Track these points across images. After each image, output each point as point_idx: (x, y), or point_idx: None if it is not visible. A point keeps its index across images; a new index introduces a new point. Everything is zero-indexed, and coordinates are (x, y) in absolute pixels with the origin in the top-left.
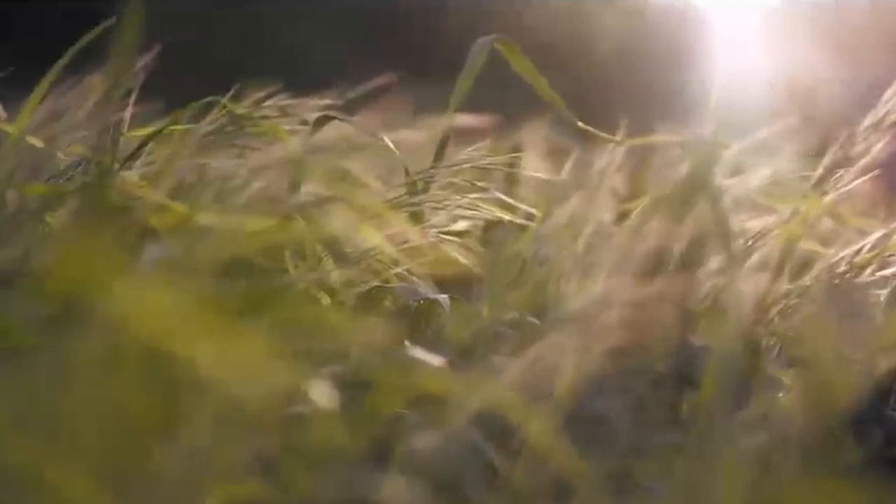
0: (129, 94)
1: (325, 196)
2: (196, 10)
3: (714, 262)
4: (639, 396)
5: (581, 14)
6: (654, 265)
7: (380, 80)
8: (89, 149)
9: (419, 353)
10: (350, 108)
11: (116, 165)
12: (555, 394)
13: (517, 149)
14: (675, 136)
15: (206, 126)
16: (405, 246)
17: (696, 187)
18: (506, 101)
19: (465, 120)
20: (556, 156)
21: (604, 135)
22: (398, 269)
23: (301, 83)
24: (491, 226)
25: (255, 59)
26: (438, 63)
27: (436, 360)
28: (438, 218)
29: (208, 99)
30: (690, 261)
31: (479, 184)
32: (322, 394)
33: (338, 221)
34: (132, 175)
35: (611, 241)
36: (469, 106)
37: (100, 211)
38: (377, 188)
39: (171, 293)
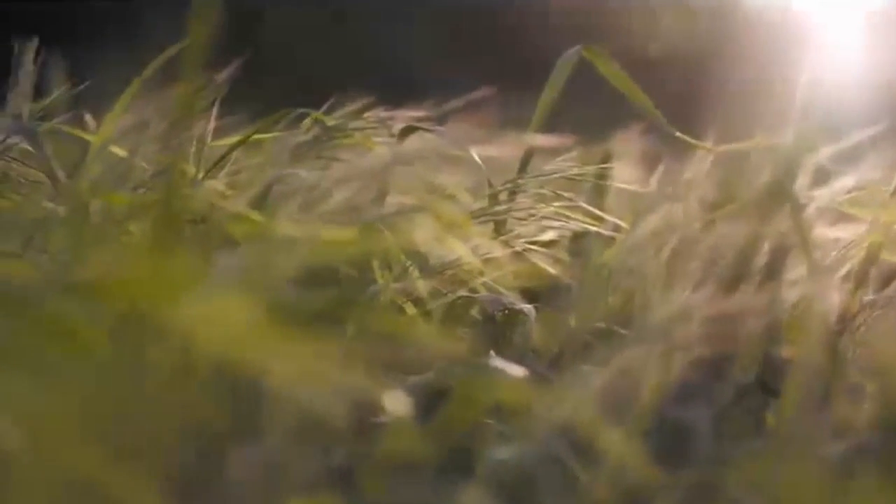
0: (212, 104)
1: (410, 206)
2: (294, 17)
3: (797, 271)
4: (723, 406)
5: (671, 17)
6: (738, 275)
7: (476, 94)
8: (173, 158)
9: (501, 364)
10: (443, 120)
11: (200, 175)
12: (639, 404)
13: (606, 157)
14: (765, 143)
15: (298, 137)
16: (491, 256)
17: (779, 196)
18: (597, 108)
19: (545, 140)
20: (646, 164)
21: (695, 142)
22: (484, 280)
23: (396, 93)
24: (579, 236)
25: (350, 68)
26: (534, 67)
27: (518, 370)
28: (526, 228)
29: (300, 111)
30: (773, 270)
31: (566, 194)
32: (398, 404)
33: (423, 232)
34: (216, 184)
35: (696, 250)
36: (559, 113)
37: (177, 220)
38: (464, 199)
39: (245, 303)
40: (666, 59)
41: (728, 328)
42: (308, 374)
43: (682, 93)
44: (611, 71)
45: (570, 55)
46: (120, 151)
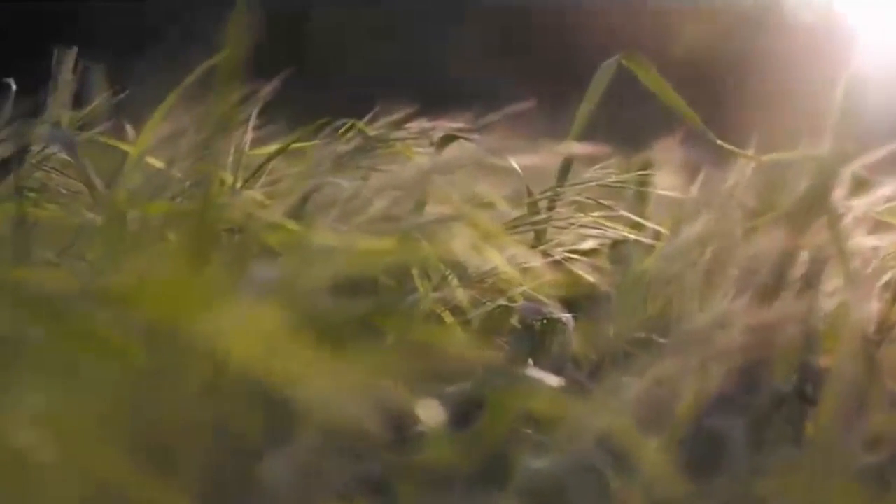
0: (251, 113)
1: (448, 215)
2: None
3: (836, 280)
4: (760, 415)
5: (710, 22)
6: (776, 284)
7: (517, 106)
8: (209, 168)
9: (538, 373)
10: (484, 130)
11: (239, 184)
12: (676, 413)
13: (647, 165)
14: (805, 151)
15: (338, 146)
16: (530, 265)
17: (816, 205)
18: (636, 114)
19: (582, 149)
20: (686, 172)
21: (737, 150)
22: (523, 289)
23: (438, 97)
24: (619, 244)
25: (393, 71)
26: (575, 69)
27: (554, 380)
28: (565, 237)
29: (343, 121)
30: (812, 280)
31: (606, 202)
32: (432, 413)
33: (461, 241)
34: (255, 193)
35: (735, 259)
36: (600, 121)
37: (213, 230)
38: (503, 208)
39: (278, 313)
40: (704, 65)
41: (766, 337)
42: (341, 384)
43: (722, 99)
44: (651, 78)
45: (610, 63)
46: (157, 162)
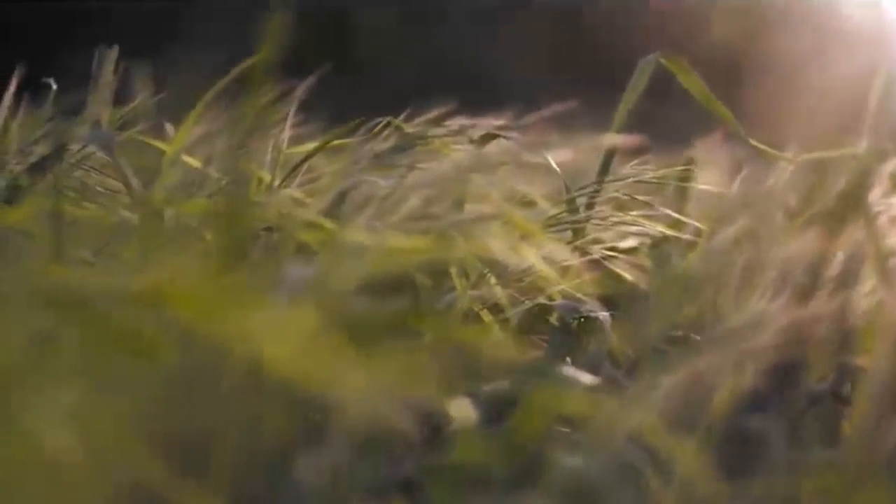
0: (288, 111)
1: (486, 214)
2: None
3: (871, 280)
4: (796, 415)
5: (749, 23)
6: (813, 283)
7: (559, 106)
8: (243, 166)
9: (573, 372)
10: (523, 129)
11: (276, 182)
12: (711, 412)
13: (688, 163)
14: (845, 151)
15: (377, 144)
16: (569, 263)
17: (852, 204)
18: (678, 115)
19: (622, 140)
20: (727, 170)
21: (770, 150)
22: (562, 287)
23: (478, 100)
24: (659, 242)
25: (436, 75)
26: (613, 68)
27: (589, 378)
28: (605, 234)
29: (380, 120)
30: (848, 278)
31: (645, 199)
32: (464, 412)
33: (499, 239)
34: (292, 192)
35: (773, 258)
36: (640, 119)
37: (247, 228)
38: (542, 206)
39: (312, 313)
40: (745, 62)
41: (802, 336)
42: (375, 384)
43: (762, 97)
44: (688, 79)
45: (648, 61)
46: (194, 161)
